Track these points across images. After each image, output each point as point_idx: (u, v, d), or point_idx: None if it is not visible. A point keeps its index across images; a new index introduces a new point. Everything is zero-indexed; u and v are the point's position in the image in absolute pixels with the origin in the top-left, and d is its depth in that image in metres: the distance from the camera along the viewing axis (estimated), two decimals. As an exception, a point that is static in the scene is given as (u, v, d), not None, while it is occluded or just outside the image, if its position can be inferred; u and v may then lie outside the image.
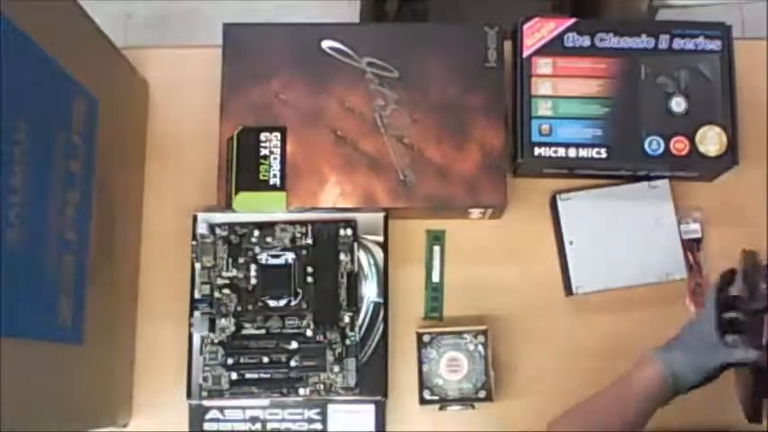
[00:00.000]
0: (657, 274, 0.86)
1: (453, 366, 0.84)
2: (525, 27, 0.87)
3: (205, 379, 0.83)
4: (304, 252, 0.85)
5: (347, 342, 0.84)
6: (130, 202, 0.90)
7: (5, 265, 0.61)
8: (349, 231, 0.85)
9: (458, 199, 0.83)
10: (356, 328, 0.84)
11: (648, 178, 0.88)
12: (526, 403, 0.86)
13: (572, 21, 0.87)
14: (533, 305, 0.88)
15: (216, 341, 0.84)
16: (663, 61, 0.86)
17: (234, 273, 0.85)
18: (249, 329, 0.84)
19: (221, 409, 0.83)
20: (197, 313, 0.84)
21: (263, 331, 0.84)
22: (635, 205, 0.87)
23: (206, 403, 0.83)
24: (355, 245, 0.85)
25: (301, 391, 0.83)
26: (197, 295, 0.85)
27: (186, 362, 0.84)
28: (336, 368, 0.83)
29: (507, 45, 0.87)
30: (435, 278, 0.89)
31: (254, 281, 0.85)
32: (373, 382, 0.83)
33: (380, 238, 0.86)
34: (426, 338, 0.84)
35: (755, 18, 1.42)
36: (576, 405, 0.73)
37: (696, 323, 0.73)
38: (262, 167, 0.83)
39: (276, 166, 0.83)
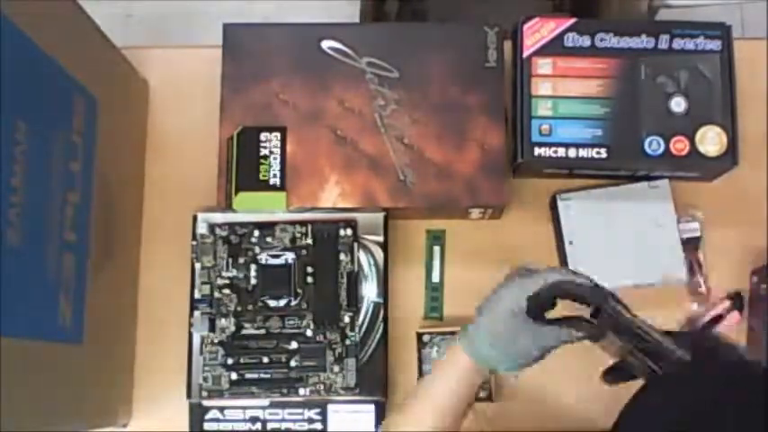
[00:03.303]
0: (657, 274, 0.86)
1: (453, 366, 0.84)
2: (525, 27, 0.87)
3: (205, 379, 0.83)
4: (304, 252, 0.85)
5: (347, 342, 0.84)
6: (130, 202, 0.90)
7: (5, 265, 0.61)
8: (349, 231, 0.85)
9: (458, 199, 0.83)
10: (356, 328, 0.84)
11: (648, 178, 0.88)
12: (526, 403, 0.86)
13: (572, 21, 0.87)
14: (533, 305, 0.88)
15: (216, 341, 0.84)
16: (663, 61, 0.85)
17: (234, 273, 0.85)
18: (249, 329, 0.84)
19: (221, 408, 0.83)
20: (197, 313, 0.84)
21: (263, 331, 0.84)
22: (635, 205, 0.87)
23: (206, 403, 0.83)
24: (355, 245, 0.85)
25: (301, 391, 0.83)
26: (197, 295, 0.85)
27: (186, 362, 0.84)
28: (336, 368, 0.83)
29: (507, 45, 0.87)
30: (435, 278, 0.89)
31: (254, 281, 0.85)
32: (373, 382, 0.83)
33: (380, 238, 0.86)
34: (426, 338, 0.84)
35: (755, 18, 1.42)
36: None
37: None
38: (262, 167, 0.83)
39: (276, 166, 0.83)
